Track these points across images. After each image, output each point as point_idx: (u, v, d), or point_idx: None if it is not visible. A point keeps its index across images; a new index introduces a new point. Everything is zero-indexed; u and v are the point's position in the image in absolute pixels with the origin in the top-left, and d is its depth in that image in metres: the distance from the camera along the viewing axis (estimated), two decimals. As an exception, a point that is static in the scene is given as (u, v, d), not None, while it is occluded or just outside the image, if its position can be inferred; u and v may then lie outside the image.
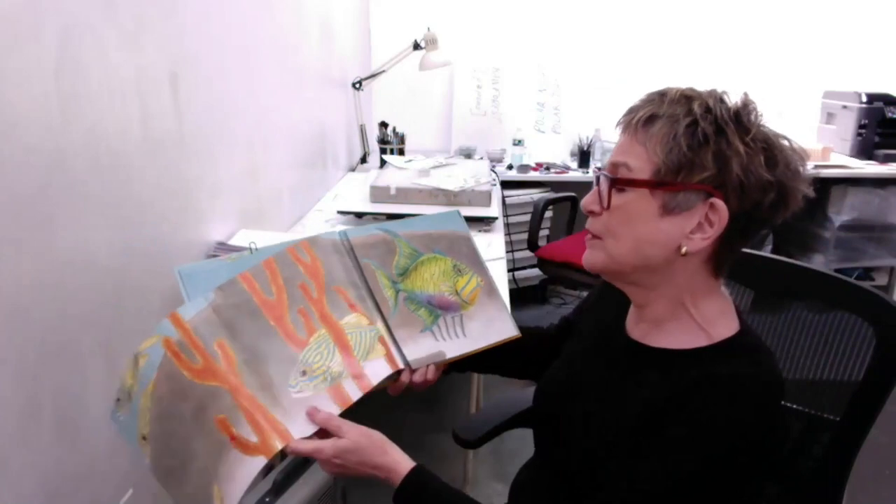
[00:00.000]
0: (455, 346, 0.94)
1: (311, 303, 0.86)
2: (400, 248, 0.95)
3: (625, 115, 0.79)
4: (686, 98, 0.75)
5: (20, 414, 0.84)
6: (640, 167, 0.75)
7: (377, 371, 0.86)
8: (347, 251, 0.92)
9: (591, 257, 0.82)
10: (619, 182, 0.77)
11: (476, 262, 0.99)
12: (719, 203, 0.73)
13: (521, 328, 1.00)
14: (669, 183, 0.74)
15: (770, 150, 0.74)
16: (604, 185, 0.78)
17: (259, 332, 0.82)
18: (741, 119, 0.74)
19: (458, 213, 1.02)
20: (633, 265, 0.79)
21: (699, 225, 0.75)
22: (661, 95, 0.77)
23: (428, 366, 0.91)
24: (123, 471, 1.08)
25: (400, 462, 0.80)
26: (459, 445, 1.25)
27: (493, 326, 0.97)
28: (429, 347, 0.92)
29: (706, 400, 0.71)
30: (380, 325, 0.90)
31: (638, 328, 0.85)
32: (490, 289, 0.99)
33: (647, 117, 0.75)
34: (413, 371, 0.90)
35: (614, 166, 0.78)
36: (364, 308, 0.90)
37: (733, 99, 0.76)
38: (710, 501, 0.73)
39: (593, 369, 0.89)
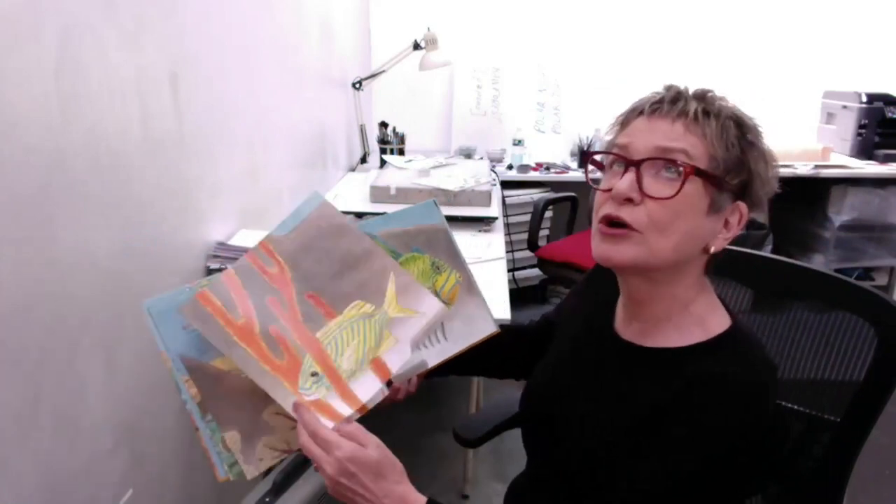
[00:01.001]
0: (436, 351, 0.92)
1: (284, 321, 0.80)
2: None
3: (669, 103, 0.75)
4: (723, 100, 0.78)
5: (20, 414, 0.84)
6: (699, 158, 0.73)
7: (367, 388, 0.80)
8: (332, 217, 0.87)
9: (624, 251, 0.75)
10: (695, 171, 0.72)
11: (454, 256, 0.97)
12: (744, 207, 0.77)
13: (500, 326, 0.99)
14: (722, 179, 0.74)
15: (777, 166, 0.78)
16: (662, 171, 0.73)
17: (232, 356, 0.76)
18: (761, 132, 0.78)
19: (434, 203, 0.98)
20: (669, 261, 0.76)
21: (726, 224, 0.77)
22: (705, 93, 0.77)
23: (409, 379, 0.90)
24: (123, 471, 1.08)
25: (412, 494, 0.74)
26: (460, 444, 1.25)
27: (474, 325, 0.96)
28: (411, 358, 0.89)
29: (703, 400, 0.71)
30: (389, 299, 0.84)
31: (630, 328, 0.84)
32: (469, 284, 0.97)
33: (702, 110, 0.74)
34: (397, 387, 0.88)
35: (665, 152, 0.73)
36: (345, 306, 0.83)
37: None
38: (711, 500, 0.73)
39: (582, 371, 0.88)
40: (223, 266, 1.36)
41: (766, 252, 1.05)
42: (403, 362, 0.84)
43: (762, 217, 3.32)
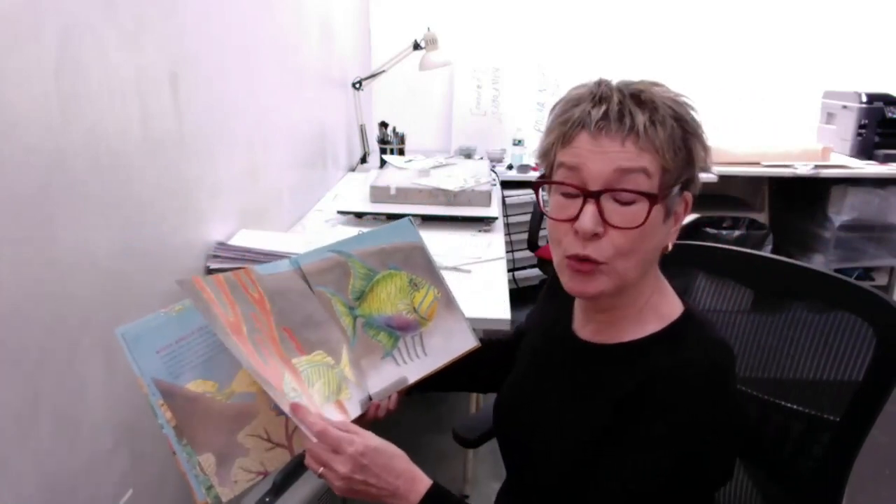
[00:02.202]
0: (416, 367, 0.92)
1: (266, 336, 0.79)
2: (354, 270, 0.91)
3: (616, 121, 0.71)
4: (656, 91, 0.74)
5: (20, 414, 0.84)
6: (654, 175, 0.71)
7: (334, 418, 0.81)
8: (301, 279, 0.87)
9: (600, 285, 0.74)
10: (657, 199, 0.70)
11: (431, 273, 0.97)
12: (689, 196, 0.77)
13: (480, 339, 0.98)
14: (674, 186, 0.73)
15: (707, 144, 0.76)
16: (622, 196, 0.71)
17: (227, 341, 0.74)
18: (696, 114, 0.76)
19: (410, 221, 0.98)
20: (638, 278, 0.76)
21: (675, 217, 0.77)
22: (640, 92, 0.73)
23: (390, 396, 0.90)
24: (123, 471, 1.08)
25: (419, 474, 0.75)
26: (459, 444, 1.25)
27: (453, 340, 0.96)
28: (391, 375, 0.90)
29: (668, 397, 0.71)
30: (343, 363, 0.86)
31: (588, 328, 0.84)
32: (447, 300, 0.97)
33: (649, 121, 0.71)
34: (377, 404, 0.88)
35: (625, 174, 0.70)
36: (312, 351, 0.85)
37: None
38: (690, 491, 0.72)
39: (547, 376, 0.88)
40: (223, 266, 1.36)
41: (766, 252, 1.05)
42: (359, 414, 0.85)
43: (762, 217, 3.32)
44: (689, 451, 0.70)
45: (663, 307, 0.79)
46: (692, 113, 0.75)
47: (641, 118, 0.71)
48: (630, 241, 0.72)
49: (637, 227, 0.71)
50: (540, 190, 0.81)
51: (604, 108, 0.72)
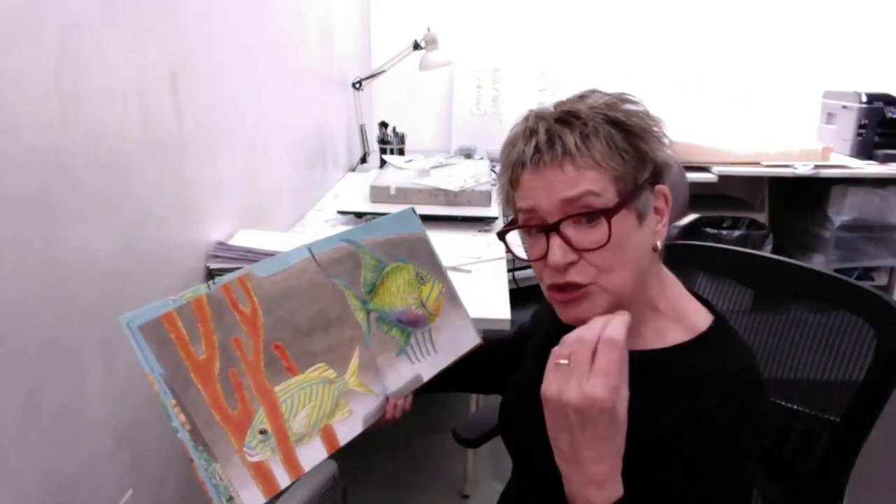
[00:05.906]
0: (429, 365, 0.91)
1: (245, 366, 0.74)
2: (365, 261, 0.90)
3: (548, 150, 0.70)
4: (587, 103, 0.73)
5: (20, 414, 0.84)
6: (606, 187, 0.70)
7: (311, 457, 0.77)
8: (317, 268, 0.84)
9: (593, 308, 0.72)
10: (612, 211, 0.69)
11: (435, 266, 0.96)
12: (665, 188, 0.75)
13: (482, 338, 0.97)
14: (635, 189, 0.71)
15: (660, 126, 0.75)
16: (582, 219, 0.70)
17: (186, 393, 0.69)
18: (640, 111, 0.75)
19: (413, 211, 0.97)
20: (632, 288, 0.74)
21: (657, 212, 0.75)
22: (568, 109, 0.73)
23: (406, 396, 0.89)
24: (123, 471, 1.08)
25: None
26: (460, 444, 1.25)
27: (460, 337, 0.95)
28: (406, 373, 0.89)
29: (712, 403, 0.70)
30: (351, 372, 0.84)
31: None
32: (451, 295, 0.97)
33: (581, 138, 0.70)
34: (395, 403, 0.87)
35: (572, 202, 0.70)
36: (309, 366, 0.80)
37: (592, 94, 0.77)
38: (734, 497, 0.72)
39: None
40: (223, 266, 1.36)
41: (766, 252, 1.05)
42: (353, 437, 0.81)
43: (762, 217, 3.32)
44: (733, 458, 0.70)
45: (686, 314, 0.78)
46: (629, 107, 0.73)
47: (571, 138, 0.70)
48: (607, 259, 0.71)
49: (605, 244, 0.70)
50: (506, 237, 0.79)
51: (534, 141, 0.72)
